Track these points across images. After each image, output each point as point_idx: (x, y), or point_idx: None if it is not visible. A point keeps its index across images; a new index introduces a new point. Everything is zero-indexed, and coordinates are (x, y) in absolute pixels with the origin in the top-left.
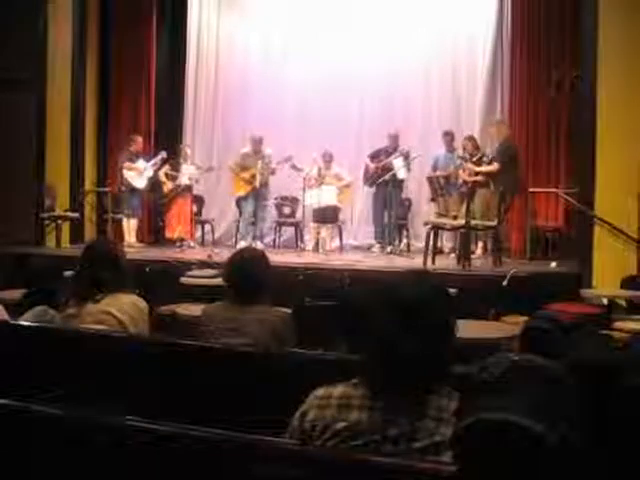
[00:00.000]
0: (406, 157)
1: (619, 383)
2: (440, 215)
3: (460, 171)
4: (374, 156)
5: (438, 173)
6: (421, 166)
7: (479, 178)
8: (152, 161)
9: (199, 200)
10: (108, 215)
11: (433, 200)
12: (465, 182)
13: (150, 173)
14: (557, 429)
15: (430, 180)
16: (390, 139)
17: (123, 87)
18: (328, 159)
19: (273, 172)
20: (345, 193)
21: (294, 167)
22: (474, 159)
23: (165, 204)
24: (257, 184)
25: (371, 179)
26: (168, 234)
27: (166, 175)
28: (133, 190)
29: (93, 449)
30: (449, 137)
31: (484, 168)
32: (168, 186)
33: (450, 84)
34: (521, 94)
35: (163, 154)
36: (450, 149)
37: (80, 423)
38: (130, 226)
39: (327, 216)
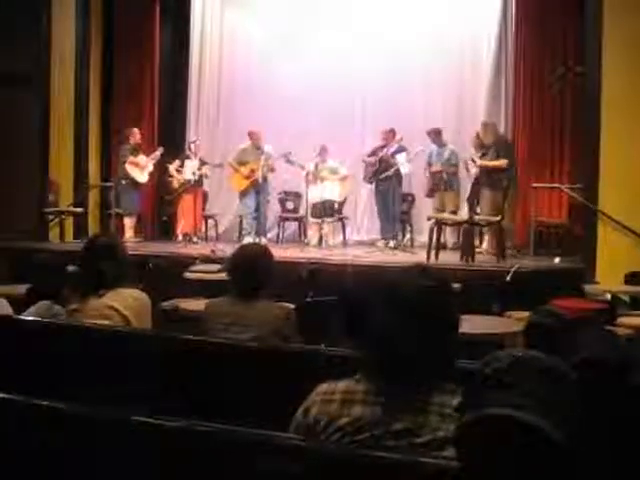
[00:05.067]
0: (407, 152)
1: (624, 380)
2: (438, 210)
3: (468, 163)
4: (370, 155)
5: (440, 168)
6: (424, 161)
7: (488, 163)
8: (150, 157)
9: (203, 195)
10: (112, 210)
11: (429, 196)
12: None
13: (150, 168)
14: (561, 425)
15: (433, 175)
16: (384, 135)
17: (127, 82)
18: (322, 153)
19: (272, 169)
20: (345, 186)
21: (288, 161)
22: (479, 154)
23: (174, 199)
24: (259, 179)
25: (369, 174)
26: (174, 229)
27: (177, 171)
28: (134, 185)
29: (97, 444)
30: (434, 134)
31: (493, 162)
32: (179, 181)
33: (454, 81)
34: (525, 91)
35: (161, 150)
36: (440, 144)
37: (84, 418)
38: (127, 223)
39: (325, 211)
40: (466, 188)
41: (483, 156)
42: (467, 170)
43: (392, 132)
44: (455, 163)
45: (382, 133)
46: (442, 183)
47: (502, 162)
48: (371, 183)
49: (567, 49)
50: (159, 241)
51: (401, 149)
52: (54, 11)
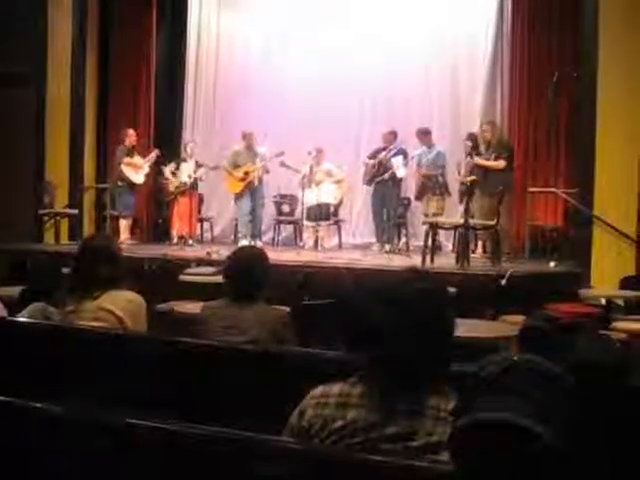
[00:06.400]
0: (404, 155)
1: (620, 383)
2: (426, 214)
3: (462, 166)
4: (372, 157)
5: (426, 170)
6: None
7: (485, 162)
8: (146, 158)
9: (198, 198)
10: (107, 212)
11: (418, 199)
12: (462, 183)
13: (146, 169)
14: (556, 429)
15: (429, 177)
16: (385, 137)
17: (123, 84)
18: (318, 155)
19: (267, 170)
20: (341, 189)
21: (283, 164)
22: (476, 152)
23: (169, 201)
24: (255, 181)
25: (368, 176)
26: (170, 231)
27: (172, 173)
28: (130, 186)
29: (92, 447)
30: (421, 134)
31: (491, 162)
32: (174, 184)
33: (450, 83)
34: (521, 94)
35: (156, 152)
36: (429, 145)
37: (79, 421)
38: (123, 224)
39: (321, 214)
40: (454, 191)
41: (479, 155)
42: (458, 173)
43: (393, 134)
44: (442, 165)
45: (383, 135)
46: (429, 185)
47: (499, 163)
48: (369, 185)
49: (563, 52)
50: (154, 243)
51: (399, 152)
52: (51, 12)
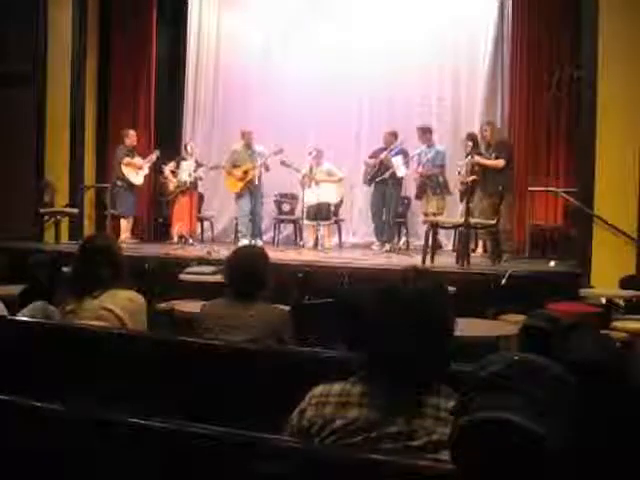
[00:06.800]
0: (405, 155)
1: (621, 382)
2: (425, 213)
3: (462, 166)
4: (372, 157)
5: (424, 169)
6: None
7: (485, 161)
8: (146, 159)
9: (199, 197)
10: (107, 211)
11: (418, 198)
12: (463, 182)
13: (146, 171)
14: (556, 429)
15: (428, 177)
16: (385, 138)
17: (123, 83)
18: (317, 155)
19: (267, 168)
20: (340, 188)
21: (283, 163)
22: (476, 152)
23: (169, 201)
24: (255, 180)
25: (369, 176)
26: (170, 231)
27: (172, 172)
28: (129, 186)
29: (92, 447)
30: (421, 132)
31: (490, 162)
32: (174, 183)
33: (450, 83)
34: (521, 94)
35: (157, 153)
36: (429, 144)
37: (80, 420)
38: (123, 224)
39: (320, 213)
40: (454, 191)
41: (479, 154)
42: (458, 173)
43: (393, 135)
44: (441, 164)
45: (383, 136)
46: (429, 184)
47: (499, 162)
48: (370, 185)
49: (564, 52)
50: (155, 242)
51: (400, 152)
52: (51, 12)
